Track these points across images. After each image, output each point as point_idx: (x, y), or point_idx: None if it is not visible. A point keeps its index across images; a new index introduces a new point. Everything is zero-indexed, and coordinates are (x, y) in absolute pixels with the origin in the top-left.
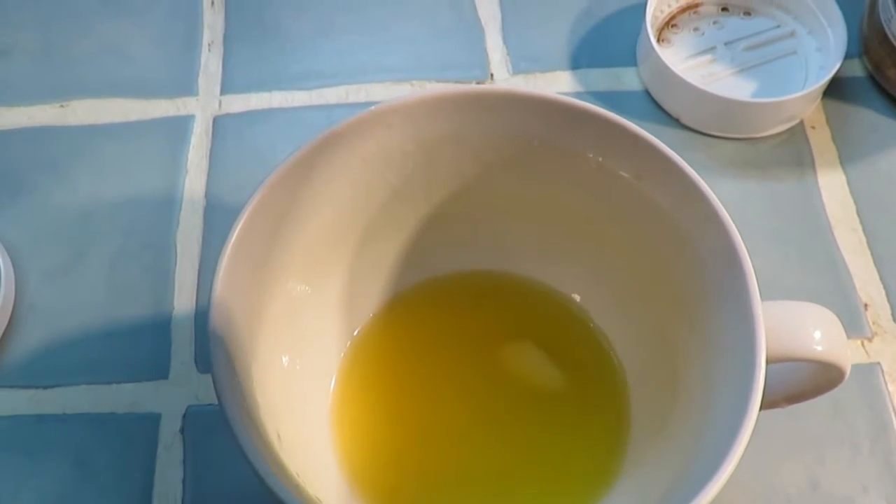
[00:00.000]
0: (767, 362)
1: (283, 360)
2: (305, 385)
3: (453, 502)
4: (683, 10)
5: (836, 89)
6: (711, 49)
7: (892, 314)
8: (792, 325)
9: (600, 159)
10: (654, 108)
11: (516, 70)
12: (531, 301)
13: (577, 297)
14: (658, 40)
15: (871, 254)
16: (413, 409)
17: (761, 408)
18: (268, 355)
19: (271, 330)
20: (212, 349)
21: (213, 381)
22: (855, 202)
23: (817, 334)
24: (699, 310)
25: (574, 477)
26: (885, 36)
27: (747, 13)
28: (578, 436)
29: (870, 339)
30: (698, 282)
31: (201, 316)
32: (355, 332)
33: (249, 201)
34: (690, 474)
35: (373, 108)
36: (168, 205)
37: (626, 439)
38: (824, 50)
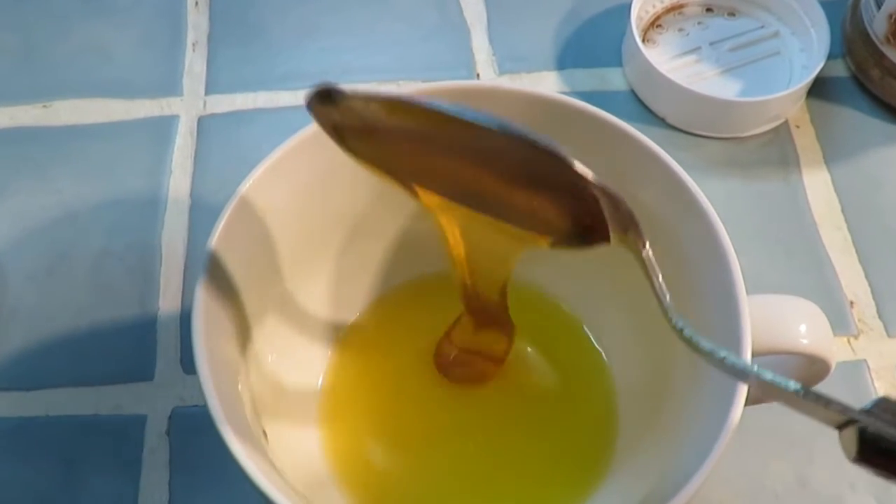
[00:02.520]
0: (753, 355)
1: (270, 358)
2: (292, 384)
3: (443, 499)
4: (668, 10)
5: (820, 89)
6: (696, 49)
7: (878, 311)
8: (777, 319)
9: (584, 155)
10: (639, 108)
11: (502, 70)
12: (519, 300)
13: (564, 296)
14: (643, 41)
15: (857, 252)
16: (400, 408)
17: (747, 403)
18: (254, 354)
19: (257, 329)
20: (197, 349)
21: (200, 381)
22: (840, 201)
23: (802, 327)
24: (686, 305)
25: (564, 474)
26: (868, 36)
27: (731, 14)
28: (568, 434)
29: (856, 337)
30: (684, 276)
31: (187, 317)
32: (342, 332)
33: (233, 198)
34: (676, 469)
35: None
36: (153, 205)
37: (615, 436)
38: (808, 50)
